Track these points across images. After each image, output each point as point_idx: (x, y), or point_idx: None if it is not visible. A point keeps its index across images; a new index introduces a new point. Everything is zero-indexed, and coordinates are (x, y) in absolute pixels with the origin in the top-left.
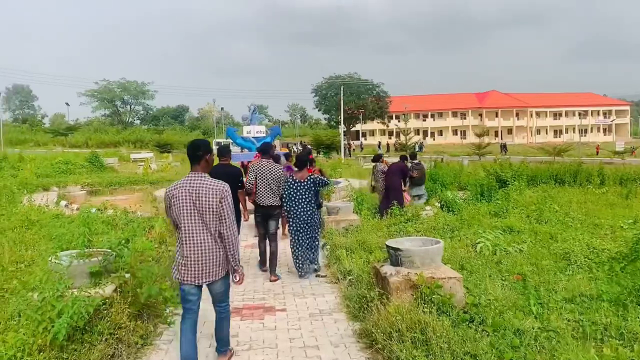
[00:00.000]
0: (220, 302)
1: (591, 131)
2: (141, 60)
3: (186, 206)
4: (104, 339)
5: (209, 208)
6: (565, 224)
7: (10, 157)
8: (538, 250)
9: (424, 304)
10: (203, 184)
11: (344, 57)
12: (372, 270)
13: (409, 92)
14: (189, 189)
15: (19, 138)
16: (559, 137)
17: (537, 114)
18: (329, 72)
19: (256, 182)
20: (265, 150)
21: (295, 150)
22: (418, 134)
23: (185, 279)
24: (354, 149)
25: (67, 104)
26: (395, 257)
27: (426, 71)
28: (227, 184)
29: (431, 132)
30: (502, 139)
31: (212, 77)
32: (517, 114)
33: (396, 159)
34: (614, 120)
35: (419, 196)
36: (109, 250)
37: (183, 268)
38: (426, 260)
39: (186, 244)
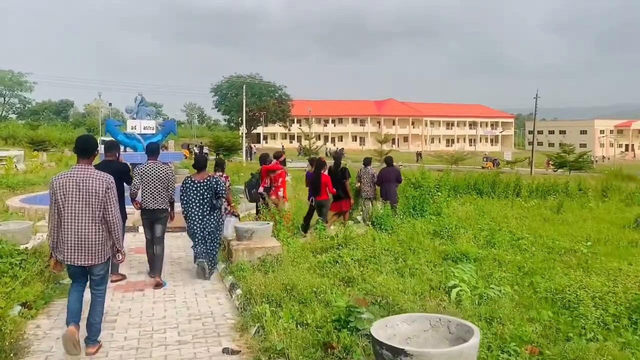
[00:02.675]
0: (98, 285)
1: (480, 141)
2: (21, 49)
3: (71, 194)
4: None
5: (95, 196)
6: (519, 247)
7: None
8: (524, 292)
9: None
10: (90, 174)
11: (244, 59)
12: None
13: (310, 96)
14: (76, 179)
15: None
16: (451, 146)
17: (432, 123)
18: (229, 72)
19: (142, 184)
20: (154, 150)
21: (196, 151)
22: (319, 139)
23: (68, 260)
24: (255, 152)
25: None
26: None
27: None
28: (111, 175)
29: (332, 138)
30: (398, 146)
31: (102, 71)
32: (413, 123)
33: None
34: (502, 132)
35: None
36: None
37: (67, 252)
38: None
39: (68, 228)
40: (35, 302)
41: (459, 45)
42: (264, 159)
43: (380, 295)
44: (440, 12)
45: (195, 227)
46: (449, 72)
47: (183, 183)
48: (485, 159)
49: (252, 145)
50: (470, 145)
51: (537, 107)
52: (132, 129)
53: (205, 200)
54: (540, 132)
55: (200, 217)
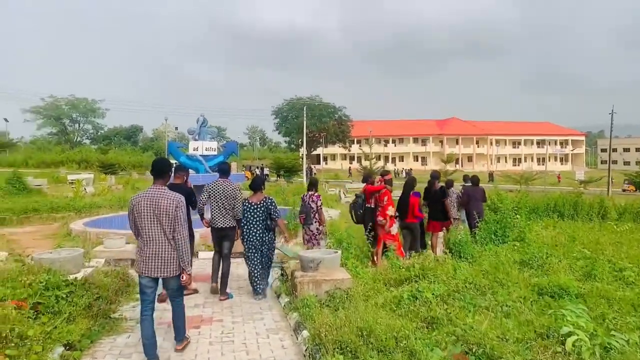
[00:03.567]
0: (174, 297)
1: (549, 160)
2: (92, 78)
3: (147, 212)
4: None
5: (165, 215)
6: (623, 279)
7: None
8: None
9: None
10: (162, 194)
11: (303, 82)
12: None
13: (370, 117)
14: (150, 198)
15: None
16: (518, 165)
17: (497, 141)
18: (290, 95)
19: (210, 202)
20: (225, 170)
21: (257, 172)
22: (379, 159)
23: (143, 271)
24: (315, 173)
25: (5, 119)
26: None
27: (385, 97)
28: (182, 195)
29: (392, 158)
30: (462, 166)
31: (168, 97)
32: (477, 142)
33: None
34: (573, 150)
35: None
36: None
37: (142, 263)
38: None
39: (145, 244)
40: (79, 342)
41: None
42: (367, 178)
43: (474, 342)
44: (501, 28)
45: (252, 249)
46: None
47: (242, 205)
48: (626, 182)
49: (312, 166)
50: (539, 164)
51: (612, 124)
52: (194, 150)
53: (261, 222)
54: (614, 150)
55: (259, 239)
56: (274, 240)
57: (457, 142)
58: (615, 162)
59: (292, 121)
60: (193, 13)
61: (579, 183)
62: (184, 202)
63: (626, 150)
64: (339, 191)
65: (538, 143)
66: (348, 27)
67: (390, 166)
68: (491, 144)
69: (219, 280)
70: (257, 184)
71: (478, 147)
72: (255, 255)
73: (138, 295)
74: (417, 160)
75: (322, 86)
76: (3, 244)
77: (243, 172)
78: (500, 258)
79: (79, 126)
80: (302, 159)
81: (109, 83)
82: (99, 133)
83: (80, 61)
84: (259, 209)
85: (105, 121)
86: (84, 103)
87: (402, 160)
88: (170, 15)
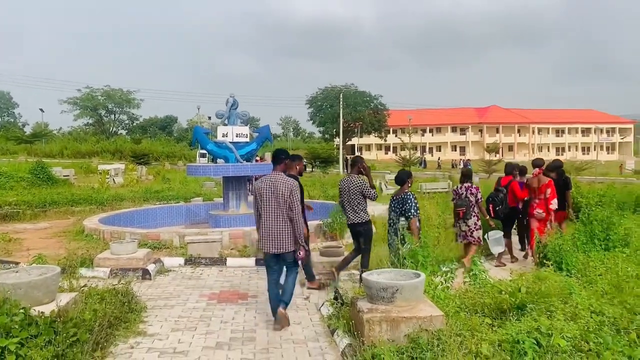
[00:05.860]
0: (289, 269)
1: (594, 149)
2: (128, 69)
3: (267, 195)
4: None
5: (282, 197)
6: None
7: None
8: None
9: None
10: (279, 179)
11: (338, 72)
12: None
13: (406, 106)
14: (270, 183)
15: None
16: (561, 154)
17: (539, 130)
18: (324, 85)
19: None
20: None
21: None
22: (416, 149)
23: (264, 248)
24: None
25: (41, 109)
26: None
27: (423, 86)
28: (294, 180)
29: (429, 148)
30: (502, 155)
31: (202, 87)
32: (518, 130)
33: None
34: (623, 138)
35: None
36: None
37: (262, 241)
38: None
39: (264, 223)
40: None
41: (564, 48)
42: (511, 170)
43: None
44: (542, 14)
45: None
46: (554, 77)
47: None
48: None
49: (348, 156)
50: (583, 153)
51: None
52: (223, 136)
53: (395, 218)
54: None
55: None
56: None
57: (497, 131)
58: None
59: (326, 110)
60: (228, 3)
61: (633, 173)
62: (298, 186)
63: None
64: (380, 183)
65: (583, 131)
66: (384, 15)
67: (427, 156)
68: (533, 132)
69: (342, 267)
70: (401, 179)
71: (519, 135)
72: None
73: (141, 327)
74: (456, 150)
75: (358, 76)
76: (2, 245)
77: None
78: (618, 273)
79: (115, 117)
80: (340, 149)
81: (144, 74)
82: (135, 124)
83: (116, 52)
84: (396, 204)
85: (141, 112)
86: (119, 94)
87: (440, 150)
88: (206, 5)
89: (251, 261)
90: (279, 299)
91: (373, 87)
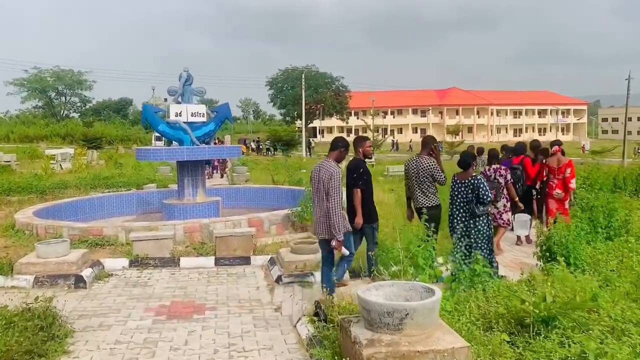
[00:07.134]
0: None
1: (550, 130)
2: (78, 49)
3: (314, 181)
4: None
5: (321, 183)
6: None
7: None
8: None
9: None
10: (324, 165)
11: (298, 54)
12: None
13: (367, 88)
14: (317, 169)
15: None
16: (519, 136)
17: (498, 112)
18: (284, 67)
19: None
20: (426, 141)
21: (253, 147)
22: (377, 132)
23: (316, 233)
24: (313, 147)
25: None
26: None
27: (383, 69)
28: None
29: (390, 130)
30: (462, 137)
31: (160, 68)
32: (477, 112)
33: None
34: (579, 119)
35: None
36: None
37: (314, 225)
38: None
39: (314, 209)
40: None
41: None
42: (535, 147)
43: None
44: None
45: (454, 231)
46: (511, 60)
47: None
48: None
49: (311, 139)
50: (540, 134)
51: (629, 91)
52: (177, 115)
53: (463, 203)
54: (615, 120)
55: (457, 221)
56: (485, 227)
57: (457, 113)
58: (616, 131)
59: (287, 92)
60: None
61: (590, 153)
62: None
63: (629, 120)
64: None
65: (539, 113)
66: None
67: (388, 138)
68: (492, 114)
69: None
70: (465, 162)
71: (479, 117)
72: (457, 240)
73: (69, 349)
74: (417, 132)
75: (319, 58)
76: None
77: (239, 146)
78: (632, 267)
79: (66, 99)
80: (302, 131)
81: (97, 55)
82: (87, 106)
83: (67, 32)
84: (462, 188)
85: (94, 94)
86: (70, 75)
87: (401, 132)
88: None
89: (210, 261)
90: (329, 277)
91: (334, 69)
